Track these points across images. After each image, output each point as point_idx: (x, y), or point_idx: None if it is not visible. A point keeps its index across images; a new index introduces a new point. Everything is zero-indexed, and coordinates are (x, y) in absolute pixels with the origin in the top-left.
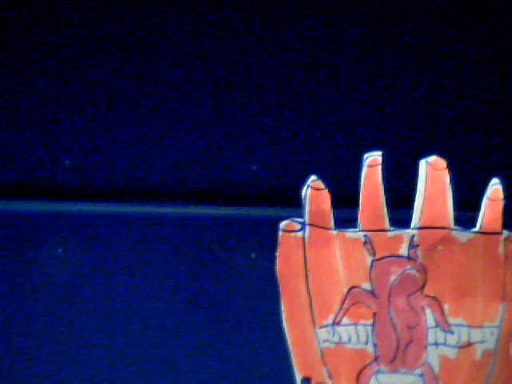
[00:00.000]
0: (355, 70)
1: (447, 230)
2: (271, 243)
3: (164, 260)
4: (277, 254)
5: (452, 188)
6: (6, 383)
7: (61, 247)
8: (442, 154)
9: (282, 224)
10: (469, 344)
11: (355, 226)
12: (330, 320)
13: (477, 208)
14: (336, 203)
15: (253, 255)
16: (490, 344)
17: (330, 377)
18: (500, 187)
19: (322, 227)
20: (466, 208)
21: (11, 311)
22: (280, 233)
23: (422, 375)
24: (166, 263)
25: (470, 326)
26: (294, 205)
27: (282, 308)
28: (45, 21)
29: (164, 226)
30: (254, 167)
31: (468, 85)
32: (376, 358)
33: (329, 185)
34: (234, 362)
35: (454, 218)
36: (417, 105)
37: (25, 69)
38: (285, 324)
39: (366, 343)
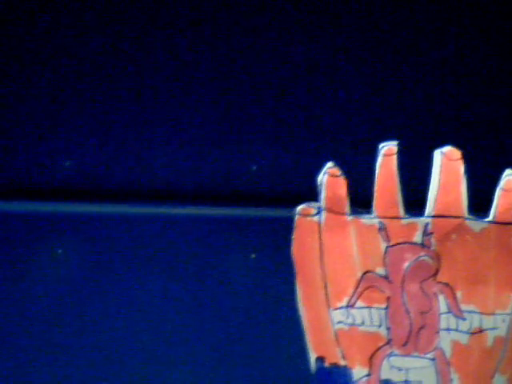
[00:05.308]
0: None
1: (461, 219)
2: (271, 243)
3: (164, 260)
4: (292, 236)
5: (466, 178)
6: (5, 383)
7: (61, 247)
8: (456, 145)
9: (299, 208)
10: (480, 330)
11: (370, 213)
12: (344, 302)
13: (491, 198)
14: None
15: (253, 255)
16: (502, 331)
17: (344, 357)
18: None
19: (337, 213)
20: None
21: (11, 311)
22: (296, 216)
23: (433, 359)
24: (165, 263)
25: (481, 313)
26: (294, 205)
27: (297, 290)
28: (44, 22)
29: (164, 226)
30: (254, 167)
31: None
32: (389, 341)
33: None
34: (234, 361)
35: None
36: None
37: (25, 69)
38: (300, 305)
39: (379, 326)
